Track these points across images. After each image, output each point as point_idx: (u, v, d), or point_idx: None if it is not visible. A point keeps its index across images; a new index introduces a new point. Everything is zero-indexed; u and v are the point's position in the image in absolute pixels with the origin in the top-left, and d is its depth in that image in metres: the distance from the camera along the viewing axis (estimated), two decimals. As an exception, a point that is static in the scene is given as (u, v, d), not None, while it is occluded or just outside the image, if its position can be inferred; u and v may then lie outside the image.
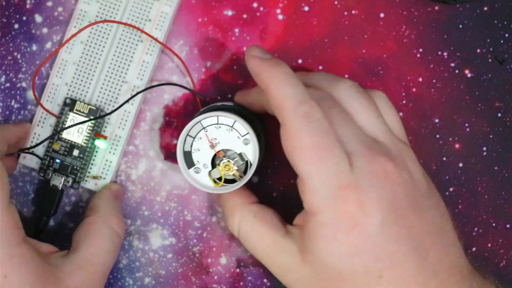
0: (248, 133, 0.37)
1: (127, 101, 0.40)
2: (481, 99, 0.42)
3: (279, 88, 0.34)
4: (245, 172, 0.37)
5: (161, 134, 0.42)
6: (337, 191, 0.33)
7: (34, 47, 0.42)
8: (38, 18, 0.42)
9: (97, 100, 0.41)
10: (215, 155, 0.37)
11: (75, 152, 0.41)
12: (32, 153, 0.41)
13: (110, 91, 0.41)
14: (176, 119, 0.42)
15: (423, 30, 0.42)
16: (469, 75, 0.43)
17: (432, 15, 0.42)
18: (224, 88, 0.42)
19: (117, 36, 0.41)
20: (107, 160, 0.41)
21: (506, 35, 0.42)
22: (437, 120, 0.42)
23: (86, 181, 0.41)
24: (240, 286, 0.42)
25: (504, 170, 0.42)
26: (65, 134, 0.41)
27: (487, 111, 0.42)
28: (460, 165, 0.43)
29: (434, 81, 0.42)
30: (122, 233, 0.39)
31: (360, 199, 0.33)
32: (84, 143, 0.41)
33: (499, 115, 0.42)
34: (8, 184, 0.34)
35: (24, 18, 0.42)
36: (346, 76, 0.42)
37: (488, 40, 0.42)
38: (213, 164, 0.38)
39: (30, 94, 0.42)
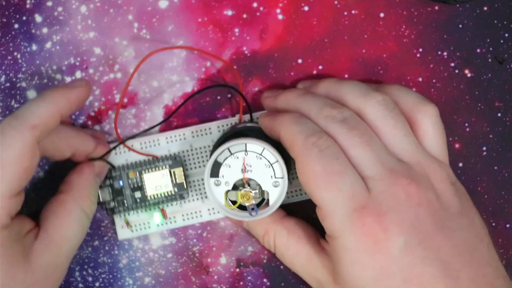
0: (282, 177, 0.37)
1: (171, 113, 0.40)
2: (481, 99, 0.42)
3: (288, 128, 0.36)
4: (258, 206, 0.37)
5: (161, 134, 0.43)
6: (353, 213, 0.33)
7: (34, 47, 0.42)
8: (38, 18, 0.42)
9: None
10: (240, 179, 0.37)
11: (137, 194, 0.40)
12: (108, 163, 0.41)
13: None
14: (176, 119, 0.42)
15: (423, 30, 0.42)
16: (469, 75, 0.43)
17: (432, 15, 0.42)
18: (224, 88, 0.42)
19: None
20: (148, 223, 0.41)
21: (506, 35, 0.42)
22: (437, 120, 0.42)
23: (119, 217, 0.41)
24: (240, 286, 0.42)
25: (504, 170, 0.42)
26: (146, 176, 0.40)
27: (487, 111, 0.42)
28: (460, 165, 0.43)
29: (434, 81, 0.42)
30: (91, 215, 0.39)
31: (379, 220, 0.33)
32: (150, 197, 0.40)
33: (499, 115, 0.42)
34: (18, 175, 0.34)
35: (24, 18, 0.42)
36: (346, 76, 0.42)
37: (488, 40, 0.42)
38: (234, 187, 0.37)
39: (30, 94, 0.42)
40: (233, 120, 0.41)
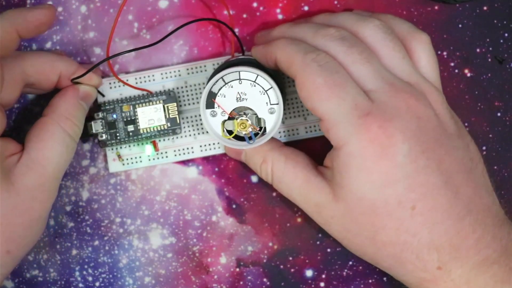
0: (277, 103, 0.37)
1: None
2: (481, 98, 0.42)
3: (284, 50, 0.36)
4: (255, 136, 0.37)
5: (161, 134, 0.43)
6: (358, 120, 0.34)
7: (34, 47, 0.42)
8: (38, 18, 0.42)
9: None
10: (236, 108, 0.37)
11: (130, 127, 0.41)
12: (99, 92, 0.41)
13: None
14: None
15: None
16: (468, 75, 0.43)
17: (432, 15, 0.43)
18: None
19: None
20: (140, 157, 0.42)
21: (506, 34, 0.43)
22: (436, 120, 0.42)
23: (111, 150, 0.41)
24: (240, 286, 0.42)
25: (503, 169, 0.42)
26: (140, 109, 0.40)
27: (486, 111, 0.42)
28: (460, 164, 0.43)
29: (433, 80, 0.42)
30: (76, 138, 0.38)
31: (384, 126, 0.34)
32: (142, 131, 0.41)
33: (499, 114, 0.43)
34: None
35: (24, 18, 0.42)
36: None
37: (488, 40, 0.42)
38: (230, 117, 0.38)
39: (30, 95, 0.42)
40: (228, 58, 0.41)
